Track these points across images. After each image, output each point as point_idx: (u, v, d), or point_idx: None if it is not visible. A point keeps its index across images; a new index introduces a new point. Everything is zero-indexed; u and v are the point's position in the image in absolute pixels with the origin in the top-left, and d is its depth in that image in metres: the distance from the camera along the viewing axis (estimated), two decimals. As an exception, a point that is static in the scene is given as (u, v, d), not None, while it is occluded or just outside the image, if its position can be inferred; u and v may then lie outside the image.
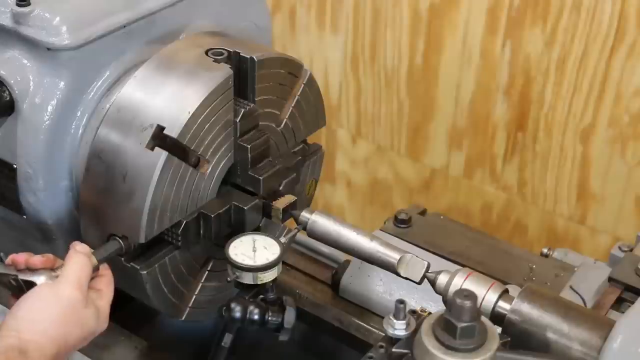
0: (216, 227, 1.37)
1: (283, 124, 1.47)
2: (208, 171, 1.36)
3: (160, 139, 1.29)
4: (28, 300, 1.17)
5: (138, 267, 1.33)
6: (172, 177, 1.31)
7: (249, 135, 1.38)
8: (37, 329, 1.14)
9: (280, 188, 1.43)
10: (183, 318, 1.44)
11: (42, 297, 1.18)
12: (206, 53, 1.36)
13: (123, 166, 1.30)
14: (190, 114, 1.29)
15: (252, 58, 1.36)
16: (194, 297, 1.44)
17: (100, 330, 1.23)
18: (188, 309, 1.44)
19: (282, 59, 1.42)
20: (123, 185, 1.30)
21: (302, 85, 1.47)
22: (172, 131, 1.29)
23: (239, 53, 1.36)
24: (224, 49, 1.37)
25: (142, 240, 1.30)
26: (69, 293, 1.18)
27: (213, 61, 1.35)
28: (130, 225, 1.30)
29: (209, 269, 1.45)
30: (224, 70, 1.34)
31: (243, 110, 1.36)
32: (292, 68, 1.45)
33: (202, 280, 1.45)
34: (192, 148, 1.31)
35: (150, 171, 1.29)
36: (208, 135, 1.33)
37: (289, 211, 1.40)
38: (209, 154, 1.35)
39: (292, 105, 1.47)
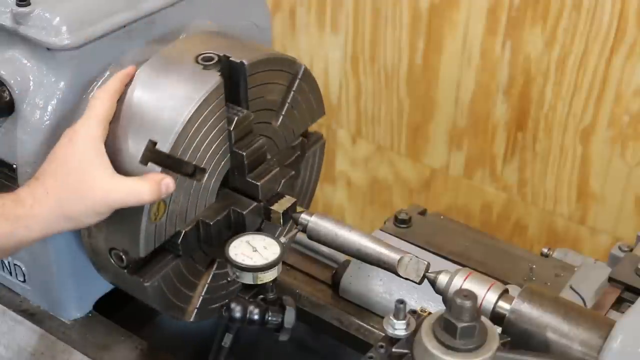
0: (216, 233, 1.36)
1: (280, 121, 1.45)
2: (205, 179, 1.35)
3: (153, 153, 1.28)
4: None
5: (141, 279, 1.33)
6: None
7: (244, 141, 1.37)
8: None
9: (279, 189, 1.42)
10: (192, 319, 1.44)
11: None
12: (196, 59, 1.33)
13: None
14: (182, 124, 1.27)
15: (242, 62, 1.33)
16: (201, 297, 1.44)
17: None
18: (196, 309, 1.43)
19: (274, 59, 1.40)
20: None
21: (298, 80, 1.46)
22: (165, 145, 1.27)
23: (229, 57, 1.34)
24: (214, 54, 1.34)
25: (142, 255, 1.30)
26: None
27: (203, 68, 1.32)
28: (130, 241, 1.30)
29: (214, 269, 1.44)
30: (214, 79, 1.31)
31: (236, 118, 1.34)
32: (285, 66, 1.43)
33: (209, 281, 1.44)
34: (186, 158, 1.30)
35: None
36: (202, 144, 1.31)
37: (289, 213, 1.40)
38: (205, 161, 1.33)
39: (289, 101, 1.45)
